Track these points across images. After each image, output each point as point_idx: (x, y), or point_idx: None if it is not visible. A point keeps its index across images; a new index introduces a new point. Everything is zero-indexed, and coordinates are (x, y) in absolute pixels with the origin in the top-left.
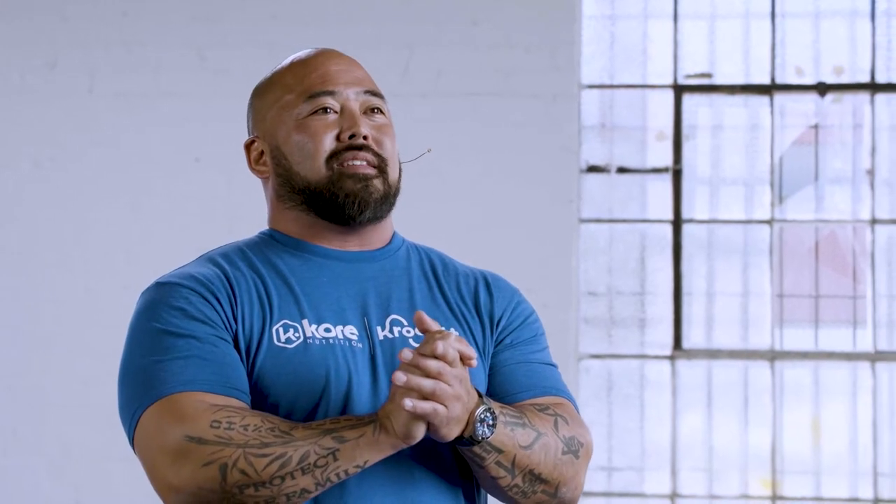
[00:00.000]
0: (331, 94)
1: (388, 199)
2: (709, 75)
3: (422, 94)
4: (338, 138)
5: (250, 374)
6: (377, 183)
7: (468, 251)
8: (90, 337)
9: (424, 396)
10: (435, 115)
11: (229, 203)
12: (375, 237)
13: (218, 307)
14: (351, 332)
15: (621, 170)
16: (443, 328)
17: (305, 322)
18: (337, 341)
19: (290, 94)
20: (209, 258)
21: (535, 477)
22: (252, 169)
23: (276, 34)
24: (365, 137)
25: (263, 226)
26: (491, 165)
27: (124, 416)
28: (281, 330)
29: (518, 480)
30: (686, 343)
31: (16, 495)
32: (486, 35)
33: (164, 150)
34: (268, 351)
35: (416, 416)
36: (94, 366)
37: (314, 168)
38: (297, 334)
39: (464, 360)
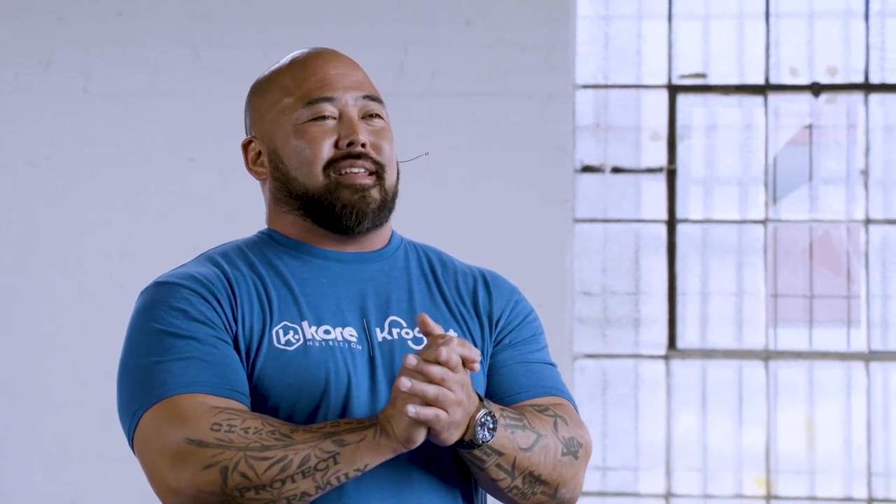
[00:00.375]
0: (329, 100)
1: (386, 205)
2: (703, 75)
3: (417, 94)
4: (336, 145)
5: (250, 376)
6: (374, 193)
7: (463, 251)
8: (86, 336)
9: (427, 402)
10: (430, 116)
11: (225, 202)
12: (374, 239)
13: (218, 308)
14: (350, 333)
15: (616, 170)
16: (445, 332)
17: (305, 324)
18: (336, 343)
19: (288, 97)
20: (208, 257)
21: (534, 478)
22: (249, 169)
23: (272, 34)
24: (363, 145)
25: (259, 225)
26: (486, 165)
27: (124, 418)
28: (281, 332)
29: (518, 482)
30: (680, 343)
31: (13, 495)
32: (480, 35)
33: (159, 149)
34: (268, 353)
35: (418, 422)
36: (90, 365)
37: (312, 175)
38: (296, 336)
39: (466, 363)
